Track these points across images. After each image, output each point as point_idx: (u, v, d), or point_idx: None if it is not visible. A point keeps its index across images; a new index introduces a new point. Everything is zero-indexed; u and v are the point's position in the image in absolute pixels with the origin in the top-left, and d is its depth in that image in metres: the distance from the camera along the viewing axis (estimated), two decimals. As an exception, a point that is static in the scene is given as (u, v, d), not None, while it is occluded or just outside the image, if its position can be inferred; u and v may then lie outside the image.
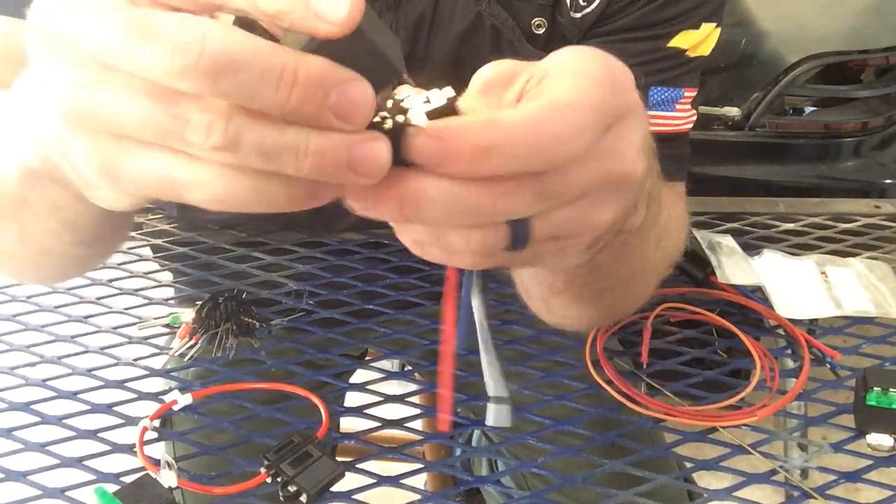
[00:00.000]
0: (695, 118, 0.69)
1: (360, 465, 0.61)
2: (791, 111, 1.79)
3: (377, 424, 0.65)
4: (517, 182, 0.32)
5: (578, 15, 0.65)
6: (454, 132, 0.31)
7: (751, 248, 0.87)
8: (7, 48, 0.66)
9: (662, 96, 0.66)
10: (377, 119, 0.31)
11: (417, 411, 0.68)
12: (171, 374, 0.72)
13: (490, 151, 0.30)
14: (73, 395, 0.66)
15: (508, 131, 0.31)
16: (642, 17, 0.64)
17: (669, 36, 0.64)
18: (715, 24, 0.66)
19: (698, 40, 0.65)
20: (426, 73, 0.68)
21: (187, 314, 0.75)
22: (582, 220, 0.35)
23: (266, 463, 0.57)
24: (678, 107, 0.67)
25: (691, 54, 0.66)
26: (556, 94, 0.33)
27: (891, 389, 0.64)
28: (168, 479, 0.57)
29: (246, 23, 0.31)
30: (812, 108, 1.80)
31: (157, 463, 0.59)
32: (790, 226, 0.94)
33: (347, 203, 0.33)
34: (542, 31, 0.66)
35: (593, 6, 0.64)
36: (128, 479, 0.57)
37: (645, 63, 0.65)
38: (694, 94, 0.68)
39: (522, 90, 0.35)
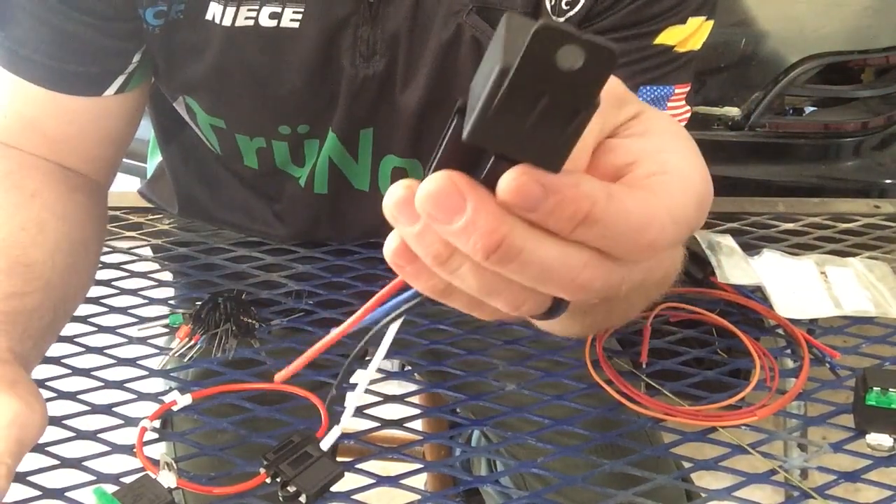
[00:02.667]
0: (689, 115, 0.69)
1: (359, 466, 0.61)
2: (791, 111, 1.78)
3: (377, 424, 0.65)
4: (602, 259, 0.30)
5: (561, 19, 0.64)
6: (568, 190, 0.27)
7: (750, 248, 0.87)
8: (22, 112, 0.68)
9: (652, 95, 0.66)
10: None
11: (417, 411, 0.68)
12: (171, 374, 0.72)
13: (593, 224, 0.28)
14: (73, 396, 0.66)
15: (619, 215, 0.29)
16: (626, 17, 0.63)
17: (655, 34, 0.64)
18: (704, 17, 0.65)
19: (685, 35, 0.65)
20: (409, 86, 0.69)
21: (187, 314, 0.75)
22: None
23: (265, 463, 0.57)
24: (669, 104, 0.67)
25: (679, 50, 0.65)
26: (667, 202, 0.30)
27: (890, 389, 0.64)
28: (168, 479, 0.57)
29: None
30: (812, 108, 1.80)
31: (156, 463, 0.59)
32: (790, 226, 0.94)
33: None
34: None
35: (577, 9, 0.64)
36: (127, 480, 0.57)
37: (632, 63, 0.65)
38: (686, 89, 0.67)
39: (626, 124, 0.33)
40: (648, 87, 0.65)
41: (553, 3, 0.64)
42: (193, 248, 0.87)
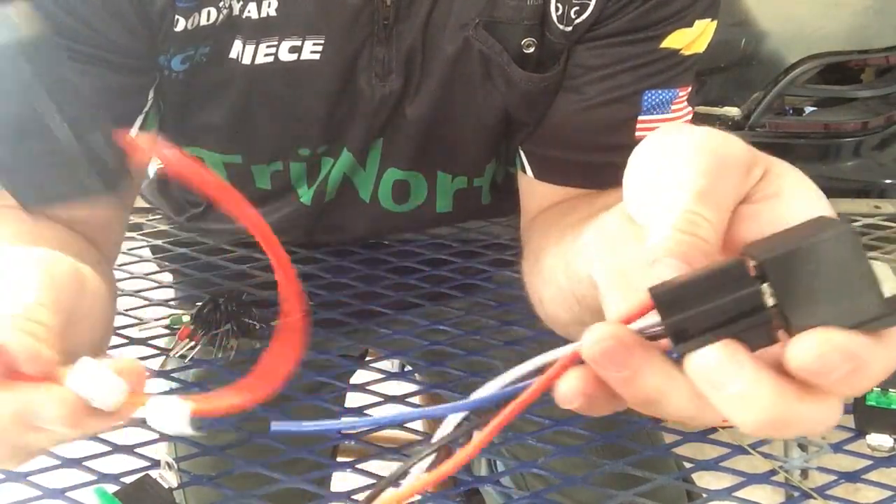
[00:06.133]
0: (690, 115, 0.69)
1: (359, 466, 0.61)
2: (791, 111, 1.79)
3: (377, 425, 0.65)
4: None
5: (569, 28, 0.64)
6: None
7: (751, 249, 0.87)
8: None
9: (657, 99, 0.65)
10: None
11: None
12: (172, 375, 0.72)
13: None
14: (73, 396, 0.66)
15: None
16: (633, 21, 0.63)
17: (662, 37, 0.63)
18: (710, 20, 0.64)
19: (692, 38, 0.64)
20: (417, 99, 0.68)
21: (187, 315, 0.75)
22: None
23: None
24: (673, 107, 0.66)
25: (685, 53, 0.65)
26: None
27: (890, 390, 0.64)
28: (168, 479, 0.57)
29: None
30: (812, 108, 1.80)
31: (157, 463, 0.59)
32: (790, 226, 0.94)
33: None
34: (532, 50, 0.66)
35: (584, 16, 0.63)
36: (128, 480, 0.57)
37: (637, 67, 0.64)
38: (688, 90, 0.67)
39: (756, 186, 0.34)
40: (653, 92, 0.65)
41: (560, 13, 0.64)
42: (193, 248, 0.87)
